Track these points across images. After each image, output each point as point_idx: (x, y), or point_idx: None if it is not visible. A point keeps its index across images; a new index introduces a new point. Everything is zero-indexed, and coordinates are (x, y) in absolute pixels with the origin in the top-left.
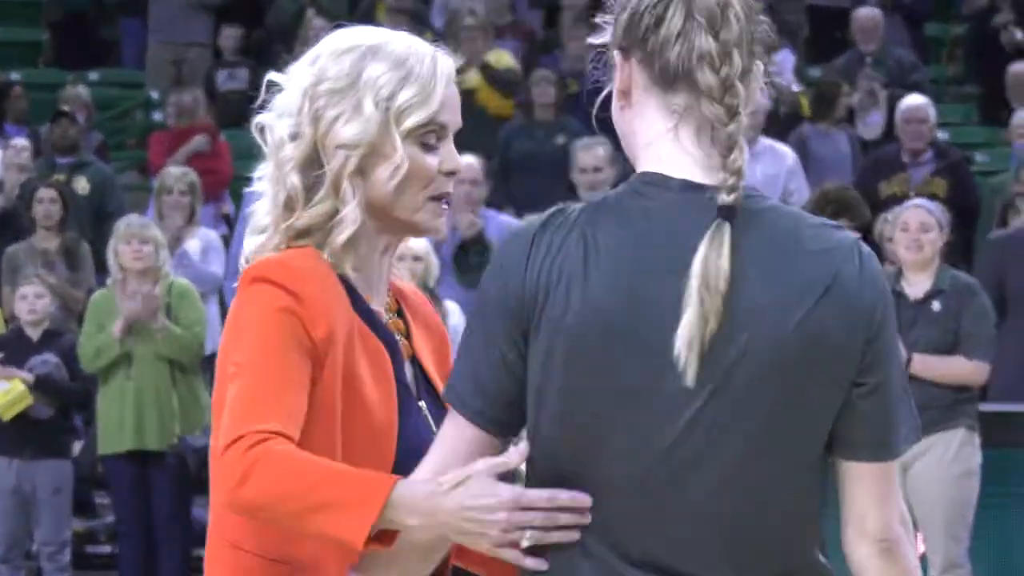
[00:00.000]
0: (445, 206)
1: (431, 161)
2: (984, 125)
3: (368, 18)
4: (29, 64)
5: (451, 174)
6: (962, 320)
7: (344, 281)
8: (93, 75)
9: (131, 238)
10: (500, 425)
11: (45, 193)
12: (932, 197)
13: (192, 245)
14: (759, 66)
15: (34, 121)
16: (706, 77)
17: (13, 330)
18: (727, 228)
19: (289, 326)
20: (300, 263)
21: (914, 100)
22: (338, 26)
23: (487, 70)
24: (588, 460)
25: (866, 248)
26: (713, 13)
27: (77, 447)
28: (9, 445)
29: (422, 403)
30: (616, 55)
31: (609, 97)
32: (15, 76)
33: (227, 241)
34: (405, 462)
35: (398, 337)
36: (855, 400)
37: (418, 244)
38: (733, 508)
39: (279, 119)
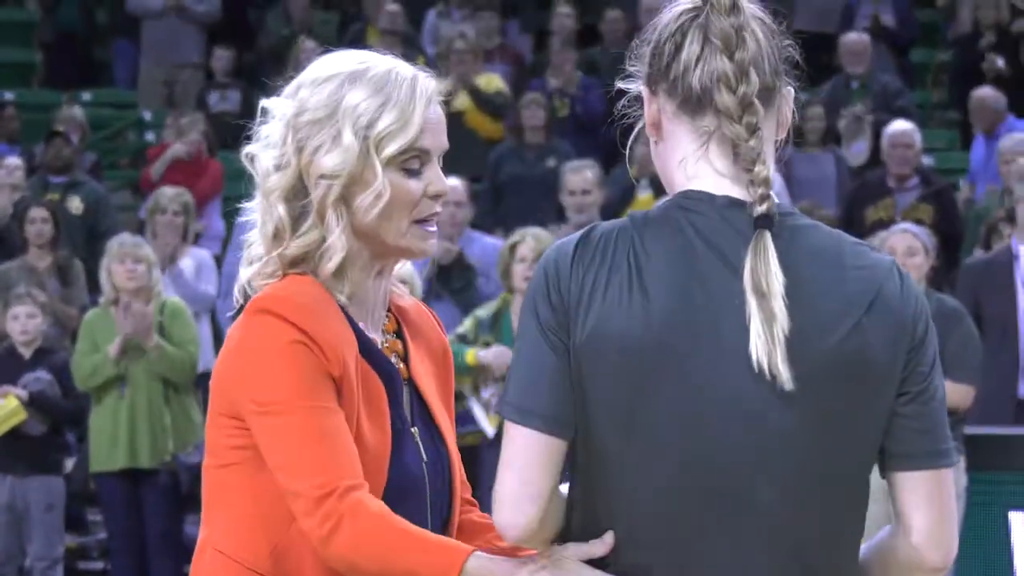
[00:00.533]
0: (432, 228)
1: (414, 186)
2: (968, 150)
3: (359, 41)
4: (22, 84)
5: (437, 197)
6: (948, 344)
7: (341, 309)
8: (86, 95)
9: (124, 257)
10: (562, 426)
11: (37, 213)
12: (918, 222)
13: (185, 264)
14: (790, 89)
15: (27, 141)
16: (723, 98)
17: (5, 348)
18: (767, 236)
19: (310, 359)
20: (303, 295)
21: (900, 126)
22: (327, 50)
23: (476, 93)
24: (647, 468)
25: (903, 268)
26: (728, 35)
27: (69, 464)
28: (2, 462)
29: (414, 429)
30: (644, 91)
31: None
32: (8, 96)
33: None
34: (393, 497)
35: (395, 360)
36: (901, 410)
37: (402, 268)
38: (792, 520)
39: (264, 150)
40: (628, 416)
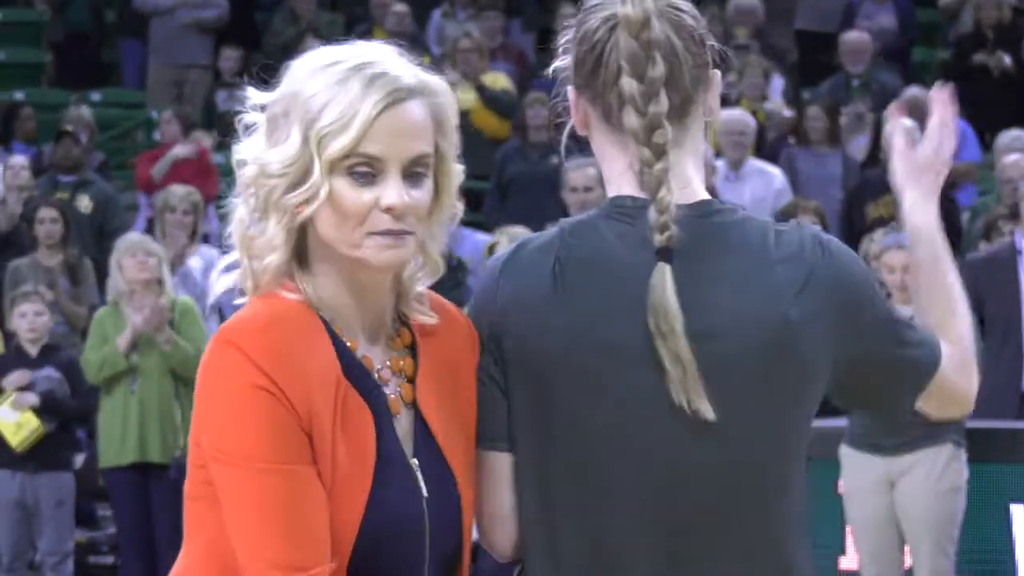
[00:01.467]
0: (390, 239)
1: (361, 196)
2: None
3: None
4: (32, 84)
5: (389, 210)
6: None
7: (326, 324)
8: (95, 95)
9: (135, 251)
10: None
11: (46, 212)
12: None
13: (195, 263)
14: (716, 73)
15: (37, 140)
16: (630, 120)
17: (12, 347)
18: (667, 271)
19: (274, 409)
20: (274, 325)
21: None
22: None
23: (483, 91)
24: (567, 480)
25: (826, 236)
26: (635, 54)
27: (79, 460)
28: (13, 458)
29: (414, 460)
30: (571, 91)
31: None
32: (19, 96)
33: None
34: (375, 536)
35: (397, 382)
36: (862, 367)
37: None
38: (734, 504)
39: (243, 143)
40: (548, 429)
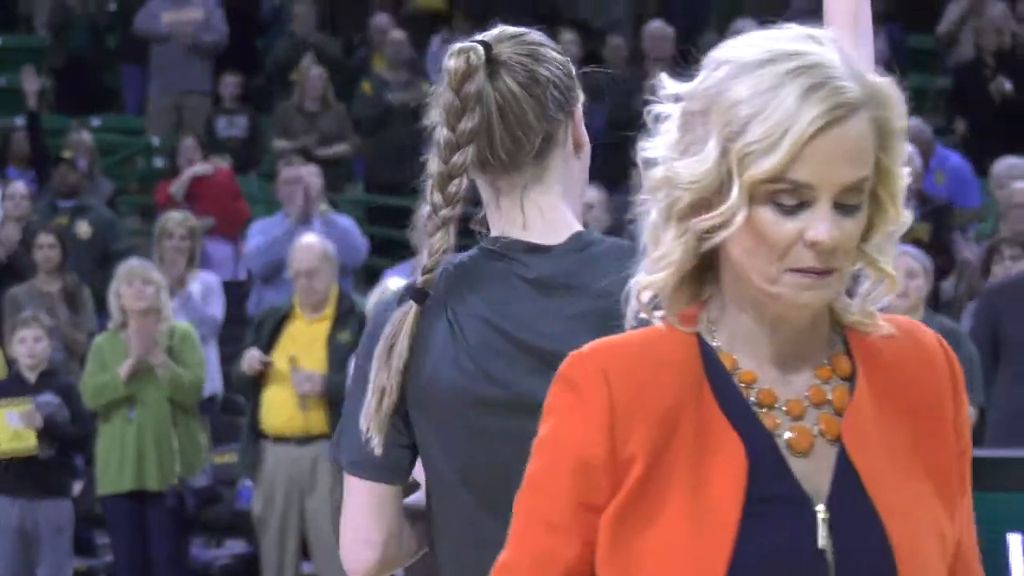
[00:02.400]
0: (812, 278)
1: (784, 227)
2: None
3: (365, 67)
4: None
5: (814, 246)
6: None
7: (712, 354)
8: (95, 121)
9: (133, 279)
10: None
11: (44, 239)
12: (916, 241)
13: (194, 288)
14: (577, 108)
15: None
16: (432, 166)
17: (12, 373)
18: (413, 310)
19: (578, 485)
20: (625, 362)
21: None
22: (334, 73)
23: None
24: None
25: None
26: (451, 106)
27: (77, 487)
28: (12, 485)
29: (820, 507)
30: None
31: None
32: (19, 122)
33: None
34: None
35: (816, 416)
36: None
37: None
38: None
39: (654, 137)
40: (463, 465)
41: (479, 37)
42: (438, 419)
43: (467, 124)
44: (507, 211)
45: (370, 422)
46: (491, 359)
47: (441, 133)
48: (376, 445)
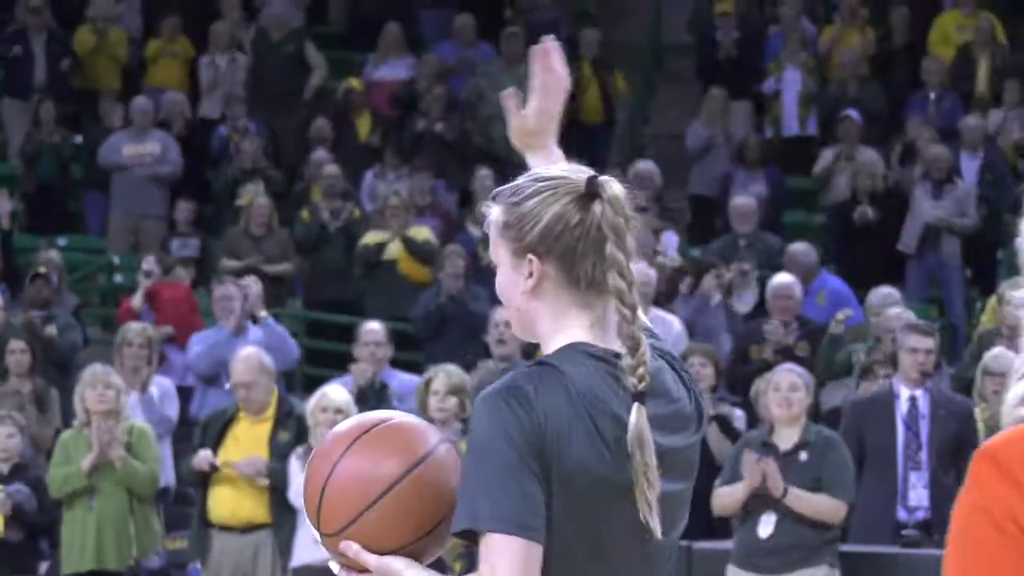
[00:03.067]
0: None
1: None
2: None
3: (304, 197)
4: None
5: None
6: (825, 468)
7: None
8: (62, 241)
9: (96, 383)
10: (541, 533)
11: (15, 344)
12: (797, 358)
13: (153, 391)
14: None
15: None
16: (616, 282)
17: None
18: (643, 409)
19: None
20: None
21: (783, 279)
22: (278, 201)
23: (407, 242)
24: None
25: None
26: (620, 229)
27: (43, 567)
28: None
29: None
30: (531, 256)
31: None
32: None
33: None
34: None
35: None
36: None
37: (340, 396)
38: None
39: None
40: (594, 541)
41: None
42: (577, 499)
43: (630, 246)
44: (590, 321)
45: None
46: (624, 453)
47: (614, 254)
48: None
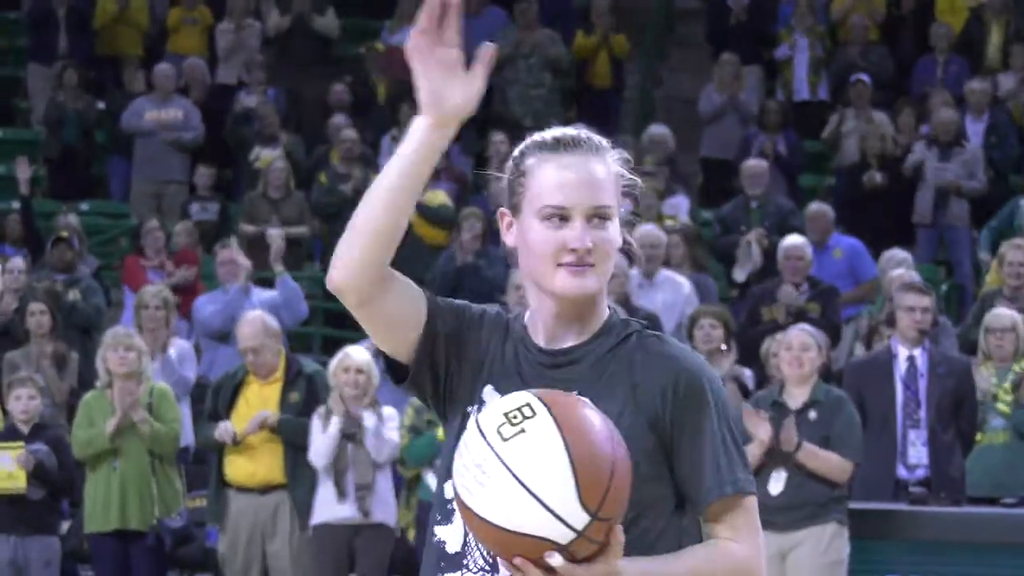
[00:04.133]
0: None
1: None
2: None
3: (324, 161)
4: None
5: None
6: (833, 427)
7: None
8: (84, 205)
9: (117, 346)
10: None
11: (36, 307)
12: (807, 317)
13: (172, 353)
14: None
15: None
16: None
17: (7, 424)
18: None
19: None
20: None
21: (793, 240)
22: (295, 168)
23: (420, 208)
24: None
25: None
26: None
27: (64, 526)
28: (6, 523)
29: None
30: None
31: None
32: (15, 206)
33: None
34: None
35: None
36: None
37: (361, 357)
38: None
39: None
40: None
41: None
42: None
43: None
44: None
45: None
46: None
47: None
48: None
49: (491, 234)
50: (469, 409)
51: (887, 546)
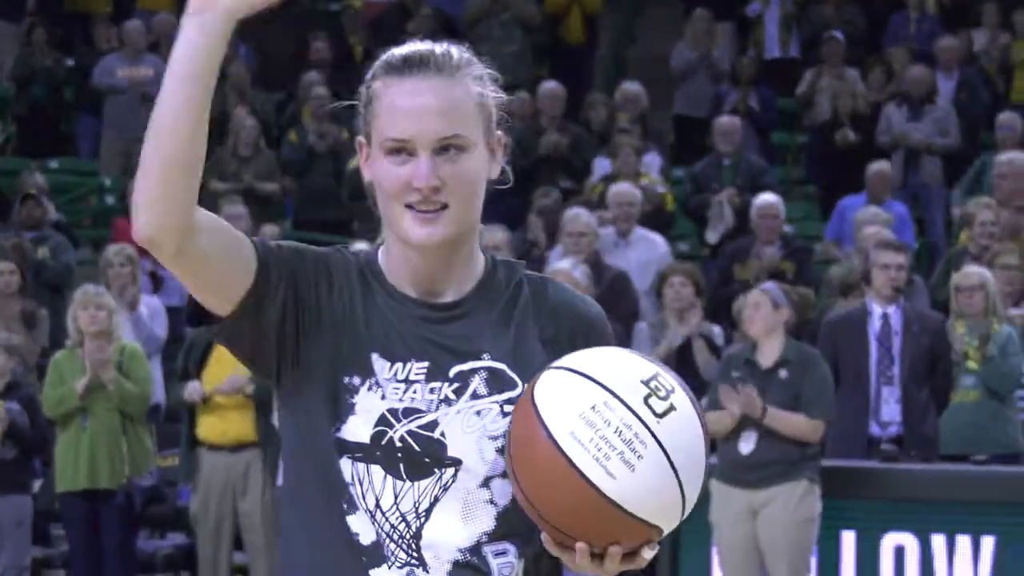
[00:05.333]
0: None
1: None
2: (824, 220)
3: (295, 119)
4: None
5: None
6: (804, 386)
7: None
8: (53, 163)
9: (88, 305)
10: None
11: (4, 265)
12: (782, 276)
13: (143, 311)
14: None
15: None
16: None
17: None
18: None
19: None
20: None
21: (767, 199)
22: (266, 126)
23: None
24: None
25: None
26: None
27: (36, 485)
28: None
29: None
30: None
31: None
32: None
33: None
34: None
35: None
36: None
37: None
38: None
39: None
40: None
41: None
42: None
43: None
44: None
45: None
46: None
47: None
48: None
49: None
50: (348, 379)
51: (858, 504)
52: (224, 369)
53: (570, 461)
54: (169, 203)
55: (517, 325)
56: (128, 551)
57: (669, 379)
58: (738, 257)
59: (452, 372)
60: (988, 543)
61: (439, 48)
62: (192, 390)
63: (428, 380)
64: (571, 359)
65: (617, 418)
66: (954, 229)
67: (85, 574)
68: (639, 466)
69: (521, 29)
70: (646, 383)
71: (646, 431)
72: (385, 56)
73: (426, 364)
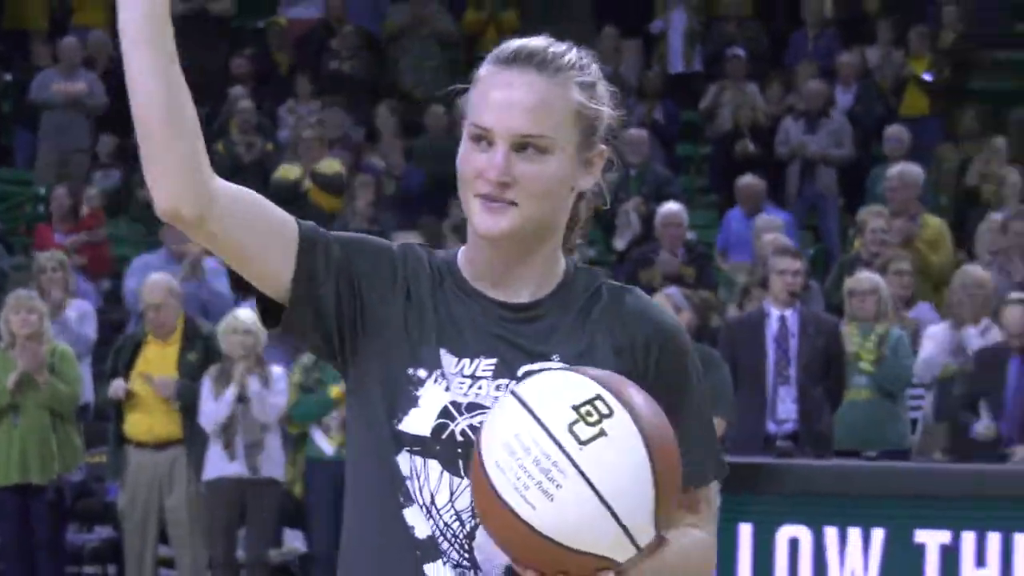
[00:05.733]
0: None
1: None
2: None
3: (223, 132)
4: None
5: None
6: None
7: None
8: None
9: (19, 308)
10: None
11: None
12: (683, 281)
13: (70, 313)
14: None
15: None
16: None
17: None
18: None
19: None
20: None
21: (671, 207)
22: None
23: (315, 176)
24: None
25: None
26: None
27: None
28: None
29: None
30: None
31: None
32: None
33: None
34: None
35: None
36: None
37: (249, 318)
38: None
39: None
40: None
41: None
42: None
43: None
44: None
45: None
46: None
47: None
48: None
49: (383, 200)
50: (413, 371)
51: (755, 498)
52: (152, 369)
53: (495, 490)
54: (176, 171)
55: (590, 332)
56: (58, 544)
57: (610, 402)
58: (643, 263)
59: (520, 371)
60: (878, 535)
61: (554, 47)
62: (116, 387)
63: (495, 377)
64: (523, 383)
65: (537, 447)
66: (848, 236)
67: (16, 566)
68: (558, 495)
69: (439, 45)
70: (577, 408)
71: (566, 460)
72: (500, 46)
73: (495, 361)
